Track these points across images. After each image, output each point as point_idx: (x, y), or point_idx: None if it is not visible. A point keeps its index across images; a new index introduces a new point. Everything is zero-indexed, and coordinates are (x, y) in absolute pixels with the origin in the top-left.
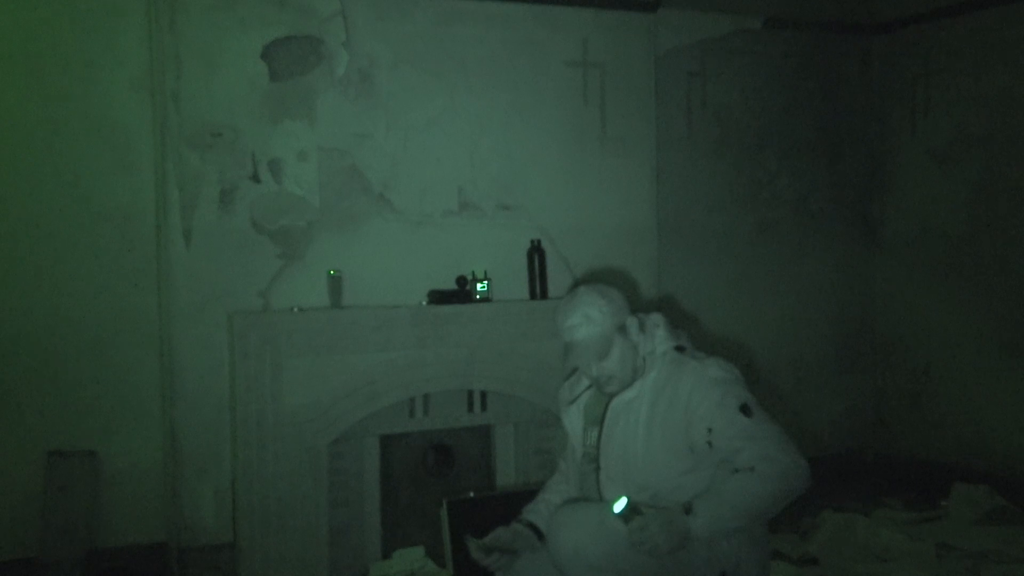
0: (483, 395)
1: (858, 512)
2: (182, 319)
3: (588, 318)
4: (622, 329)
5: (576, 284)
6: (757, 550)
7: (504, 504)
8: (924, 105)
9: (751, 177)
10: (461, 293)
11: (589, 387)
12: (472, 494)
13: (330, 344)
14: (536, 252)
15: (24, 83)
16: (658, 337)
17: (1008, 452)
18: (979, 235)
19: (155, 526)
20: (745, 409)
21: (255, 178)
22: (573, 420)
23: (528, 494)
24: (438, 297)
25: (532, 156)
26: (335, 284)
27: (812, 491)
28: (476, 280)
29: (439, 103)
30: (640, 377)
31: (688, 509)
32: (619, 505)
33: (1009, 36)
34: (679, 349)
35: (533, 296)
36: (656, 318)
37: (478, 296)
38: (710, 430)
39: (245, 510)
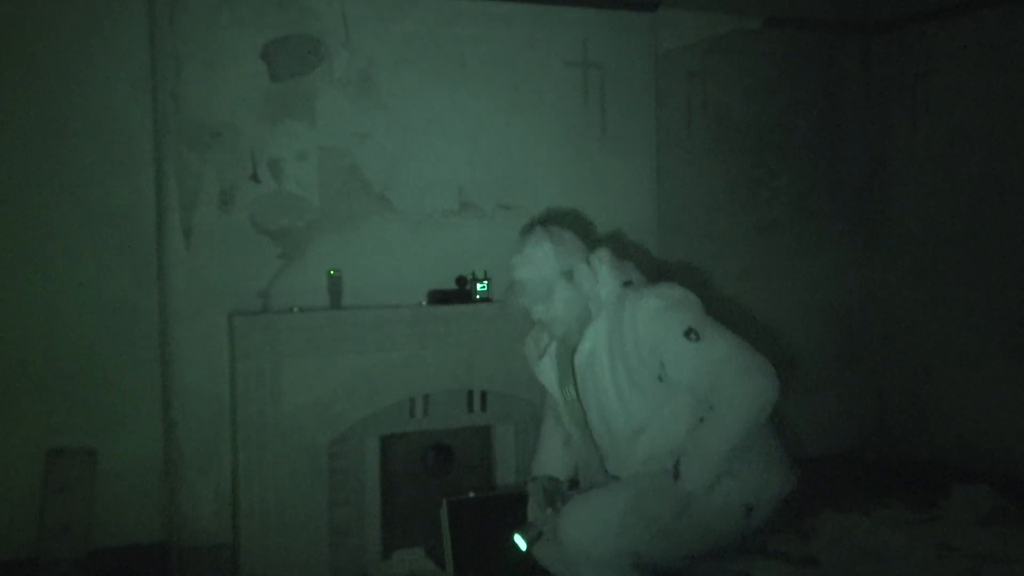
0: (483, 395)
1: (858, 512)
2: (182, 319)
3: (530, 259)
4: (568, 274)
5: (534, 223)
6: (774, 470)
7: (504, 504)
8: (924, 105)
9: (751, 177)
10: (461, 293)
11: (552, 339)
12: (472, 494)
13: (330, 344)
14: None
15: (24, 83)
16: (602, 277)
17: (1008, 452)
18: (979, 235)
19: (155, 526)
20: (690, 334)
21: (255, 178)
22: (547, 374)
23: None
24: (438, 297)
25: (532, 156)
26: (335, 284)
27: (812, 491)
28: (476, 280)
29: (439, 103)
30: (591, 324)
31: (677, 475)
32: (522, 544)
33: (1009, 36)
34: (626, 285)
35: None
36: (601, 254)
37: (478, 296)
38: (662, 363)
39: (245, 510)
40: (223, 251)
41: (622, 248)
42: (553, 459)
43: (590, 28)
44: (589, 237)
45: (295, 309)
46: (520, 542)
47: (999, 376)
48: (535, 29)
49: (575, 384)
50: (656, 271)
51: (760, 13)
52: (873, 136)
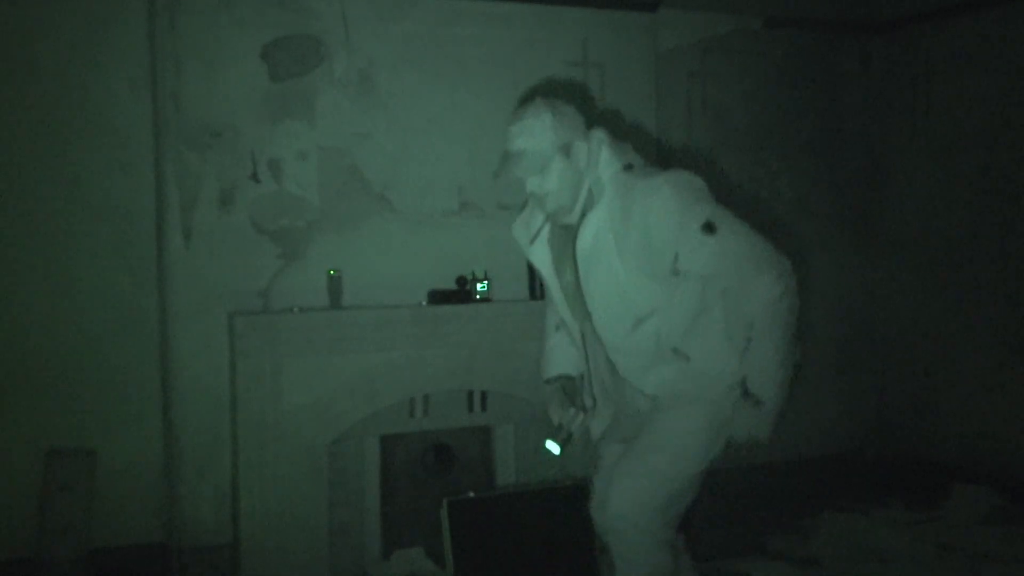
0: (483, 395)
1: (858, 512)
2: (182, 319)
3: (528, 129)
4: (565, 148)
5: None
6: None
7: (504, 504)
8: (924, 105)
9: (751, 177)
10: (461, 293)
11: (546, 221)
12: (472, 494)
13: (330, 344)
14: None
15: (24, 83)
16: (603, 160)
17: (1008, 452)
18: (979, 235)
19: (155, 526)
20: (708, 227)
21: (255, 178)
22: (541, 258)
23: (528, 494)
24: (438, 297)
25: None
26: (335, 284)
27: (812, 491)
28: (476, 280)
29: (439, 103)
30: (591, 209)
31: (756, 401)
32: (555, 449)
33: (1009, 36)
34: (627, 168)
35: (533, 296)
36: (599, 135)
37: (478, 296)
38: (676, 256)
39: (245, 510)
40: (223, 251)
41: (618, 129)
42: (563, 357)
43: (590, 28)
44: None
45: (295, 309)
46: (552, 447)
47: (999, 376)
48: (535, 29)
49: (576, 271)
50: (654, 154)
51: (760, 13)
52: (873, 136)
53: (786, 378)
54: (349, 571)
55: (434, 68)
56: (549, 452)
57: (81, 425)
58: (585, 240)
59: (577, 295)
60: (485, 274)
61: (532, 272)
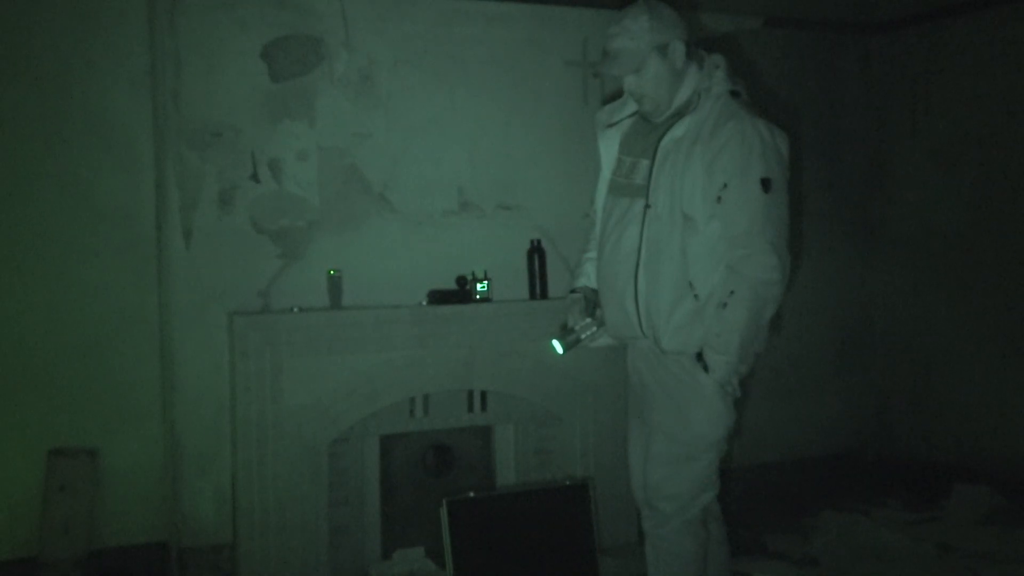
0: (483, 395)
1: (858, 512)
2: (182, 319)
3: (626, 30)
4: (662, 49)
5: None
6: None
7: (504, 504)
8: (924, 105)
9: None
10: (461, 293)
11: (632, 115)
12: (472, 494)
13: (330, 344)
14: (536, 252)
15: (24, 83)
16: (716, 77)
17: (1008, 452)
18: (979, 235)
19: (155, 526)
20: (764, 183)
21: (255, 178)
22: (609, 142)
23: (528, 494)
24: (438, 297)
25: (532, 156)
26: (335, 284)
27: (812, 491)
28: (476, 280)
29: (439, 103)
30: (691, 112)
31: (706, 367)
32: (559, 348)
33: (1009, 36)
34: (734, 94)
35: (533, 296)
36: (717, 59)
37: (478, 296)
38: (725, 185)
39: (245, 510)
40: (223, 251)
41: None
42: (594, 271)
43: (590, 28)
44: None
45: (295, 309)
46: (558, 347)
47: (999, 376)
48: (535, 29)
49: (652, 167)
50: None
51: (760, 13)
52: (873, 136)
53: (736, 362)
54: (349, 571)
55: (434, 68)
56: (553, 349)
57: (82, 425)
58: (673, 136)
59: (624, 183)
60: (485, 274)
61: (532, 272)
